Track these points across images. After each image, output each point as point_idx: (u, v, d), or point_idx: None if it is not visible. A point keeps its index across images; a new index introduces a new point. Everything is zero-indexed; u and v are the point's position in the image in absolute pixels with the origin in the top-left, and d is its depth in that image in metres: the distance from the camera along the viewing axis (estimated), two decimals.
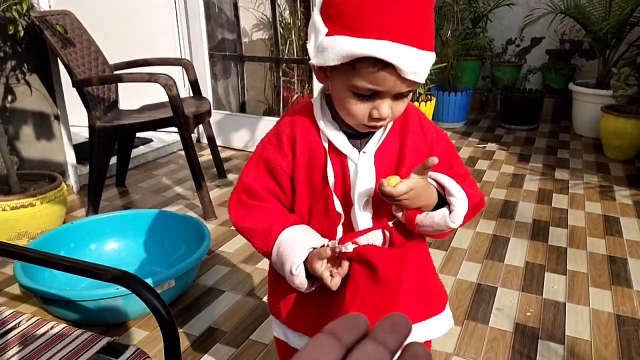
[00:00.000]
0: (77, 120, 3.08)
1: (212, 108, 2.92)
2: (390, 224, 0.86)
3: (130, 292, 1.49)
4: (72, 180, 2.82)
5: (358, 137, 0.83)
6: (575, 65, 4.30)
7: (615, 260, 2.09)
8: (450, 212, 0.80)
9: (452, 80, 4.14)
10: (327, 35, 0.73)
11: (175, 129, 2.35)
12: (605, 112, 3.36)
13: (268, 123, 3.44)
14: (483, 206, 0.89)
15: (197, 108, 2.52)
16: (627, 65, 3.40)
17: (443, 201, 0.82)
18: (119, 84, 2.66)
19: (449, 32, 4.10)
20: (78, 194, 2.82)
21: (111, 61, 2.67)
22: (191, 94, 2.85)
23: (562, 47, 4.33)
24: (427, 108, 3.57)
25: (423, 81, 0.75)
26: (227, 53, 3.67)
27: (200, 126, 3.25)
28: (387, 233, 0.85)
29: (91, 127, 2.36)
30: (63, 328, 0.92)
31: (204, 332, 1.66)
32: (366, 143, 0.83)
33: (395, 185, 0.75)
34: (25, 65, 2.53)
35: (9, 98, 2.48)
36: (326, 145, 0.82)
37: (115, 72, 2.63)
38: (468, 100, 4.22)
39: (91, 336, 0.89)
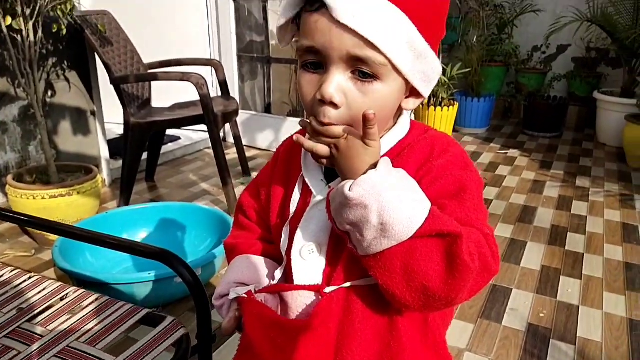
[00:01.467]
0: (111, 117, 3.22)
1: (239, 108, 3.02)
2: (348, 284, 0.65)
3: (161, 277, 1.59)
4: (104, 173, 2.96)
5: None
6: (601, 73, 4.28)
7: (631, 267, 2.11)
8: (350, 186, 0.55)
9: (476, 86, 4.17)
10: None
11: (203, 127, 2.46)
12: (629, 121, 3.35)
13: (292, 124, 3.54)
14: (465, 267, 0.55)
15: (226, 107, 2.63)
16: None
17: None
18: (152, 83, 2.78)
19: (475, 38, 4.13)
20: (110, 187, 2.95)
21: (145, 60, 2.80)
22: (220, 94, 2.96)
23: (588, 55, 4.32)
24: (450, 113, 3.61)
25: (381, 43, 0.56)
26: (255, 55, 3.78)
27: (227, 125, 3.36)
28: (320, 298, 0.65)
29: (126, 123, 2.48)
30: (107, 300, 1.02)
31: None
32: None
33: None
34: (66, 62, 2.67)
35: (49, 93, 2.62)
36: (302, 170, 0.71)
37: (151, 71, 2.76)
38: (491, 106, 4.24)
39: (132, 307, 0.99)
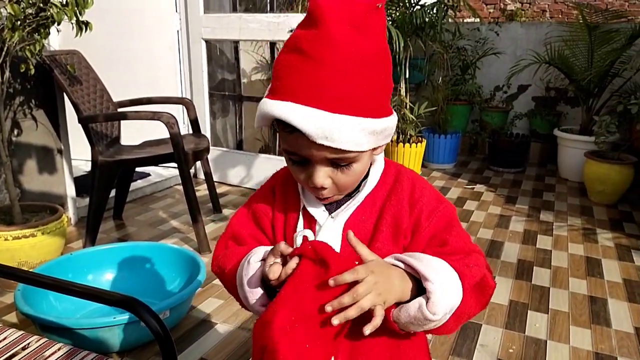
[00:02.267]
0: (79, 154, 3.18)
1: (210, 145, 3.03)
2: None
3: (125, 321, 1.55)
4: (70, 212, 2.89)
5: (336, 201, 0.78)
6: (560, 112, 4.48)
7: (595, 300, 2.17)
8: (427, 301, 0.67)
9: (443, 124, 4.30)
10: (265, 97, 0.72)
11: (174, 164, 2.45)
12: (588, 157, 3.50)
13: (264, 160, 3.56)
14: (490, 286, 0.76)
15: (197, 145, 2.63)
16: (608, 113, 3.56)
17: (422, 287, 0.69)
18: (122, 121, 2.77)
19: (440, 78, 4.28)
20: (76, 225, 2.88)
21: (116, 99, 2.79)
22: (191, 131, 2.96)
23: (547, 95, 4.53)
24: (418, 149, 3.70)
25: (351, 147, 0.68)
26: (227, 93, 3.82)
27: (199, 162, 3.36)
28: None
29: (94, 162, 2.45)
30: (70, 349, 0.99)
31: None
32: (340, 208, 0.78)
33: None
34: (33, 100, 2.64)
35: (15, 132, 2.58)
36: (302, 205, 0.80)
37: (120, 110, 2.75)
38: (458, 142, 4.36)
39: (96, 357, 0.96)
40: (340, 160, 0.70)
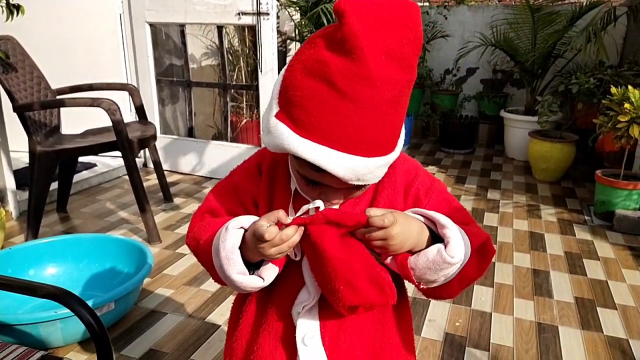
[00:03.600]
0: (18, 145, 3.03)
1: (158, 132, 2.95)
2: None
3: (67, 315, 1.50)
4: (11, 206, 2.76)
5: None
6: (507, 93, 4.61)
7: (538, 273, 2.26)
8: (445, 246, 0.70)
9: None
10: (275, 115, 0.68)
11: (119, 153, 2.37)
12: (532, 136, 3.62)
13: (216, 147, 3.50)
14: (492, 251, 0.78)
15: (142, 132, 2.55)
16: (551, 94, 3.69)
17: (438, 240, 0.73)
18: (62, 109, 2.65)
19: None
20: (17, 220, 2.75)
21: (56, 86, 2.67)
22: (137, 119, 2.87)
23: (494, 77, 4.64)
24: None
25: (376, 181, 0.71)
26: (175, 79, 3.72)
27: (147, 150, 3.26)
28: None
29: (31, 152, 2.35)
30: None
31: (145, 354, 1.67)
32: None
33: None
34: None
35: None
36: (293, 187, 0.79)
37: (58, 97, 2.63)
38: (410, 125, 4.43)
39: (25, 350, 0.92)
40: (360, 186, 0.72)
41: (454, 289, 0.76)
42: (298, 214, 0.72)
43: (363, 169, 0.66)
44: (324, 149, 0.64)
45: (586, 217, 2.89)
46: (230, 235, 0.72)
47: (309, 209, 0.71)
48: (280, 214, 0.68)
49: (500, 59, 4.43)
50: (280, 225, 0.68)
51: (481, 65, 4.58)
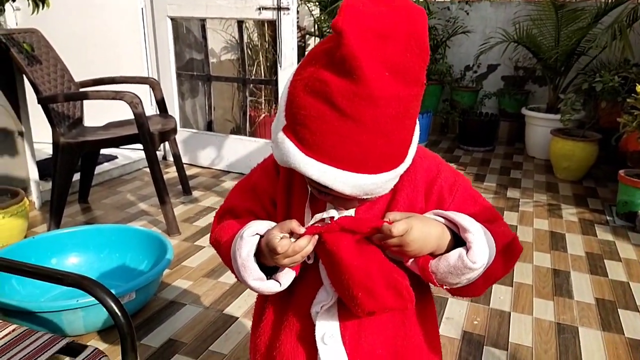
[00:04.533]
0: (41, 136, 3.08)
1: (178, 126, 2.98)
2: None
3: (89, 304, 1.53)
4: (34, 196, 2.82)
5: None
6: (528, 91, 4.54)
7: (559, 273, 2.23)
8: (467, 251, 0.69)
9: None
10: (283, 129, 0.67)
11: (140, 146, 2.40)
12: (554, 135, 3.56)
13: (235, 141, 3.52)
14: (519, 250, 0.78)
15: (163, 126, 2.58)
16: (574, 91, 3.63)
17: (461, 243, 0.71)
18: (85, 102, 2.69)
19: None
20: (40, 209, 2.81)
21: (79, 79, 2.71)
22: (158, 112, 2.90)
23: (516, 74, 4.58)
24: None
25: (385, 192, 0.71)
26: (195, 73, 3.75)
27: (167, 144, 3.30)
28: None
29: (55, 144, 2.39)
30: (24, 331, 0.97)
31: (164, 344, 1.69)
32: None
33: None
34: None
35: None
36: (309, 187, 0.77)
37: (81, 90, 2.67)
38: (429, 122, 4.39)
39: (51, 337, 0.94)
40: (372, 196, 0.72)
41: (479, 288, 0.76)
42: (312, 222, 0.72)
43: (370, 185, 0.66)
44: (329, 168, 0.64)
45: (608, 218, 2.84)
46: (245, 243, 0.73)
47: (323, 218, 0.72)
48: (293, 224, 0.69)
49: (522, 56, 4.36)
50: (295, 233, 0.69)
51: (502, 61, 4.52)
